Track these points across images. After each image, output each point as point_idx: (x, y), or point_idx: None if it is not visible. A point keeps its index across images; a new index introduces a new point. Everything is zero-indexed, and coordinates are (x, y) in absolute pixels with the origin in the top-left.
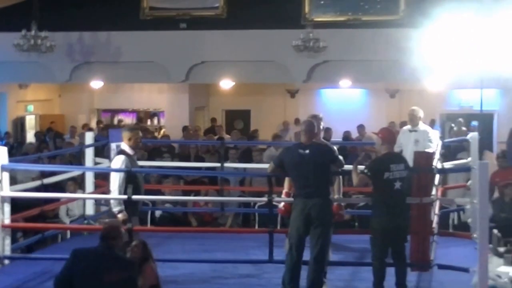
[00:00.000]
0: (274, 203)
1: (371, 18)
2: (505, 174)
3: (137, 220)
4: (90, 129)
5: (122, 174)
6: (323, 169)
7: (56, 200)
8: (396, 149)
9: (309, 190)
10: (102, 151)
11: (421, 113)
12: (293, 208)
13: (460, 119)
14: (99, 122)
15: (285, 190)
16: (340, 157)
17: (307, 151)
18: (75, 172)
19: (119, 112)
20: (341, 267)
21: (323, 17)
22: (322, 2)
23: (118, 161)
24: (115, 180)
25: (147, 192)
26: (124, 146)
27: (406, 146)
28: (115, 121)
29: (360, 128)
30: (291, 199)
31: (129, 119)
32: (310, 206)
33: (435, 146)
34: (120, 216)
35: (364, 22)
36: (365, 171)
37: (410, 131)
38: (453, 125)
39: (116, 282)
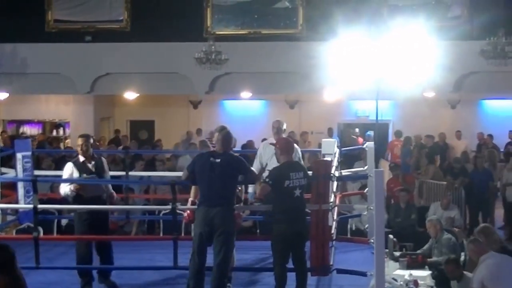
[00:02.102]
0: (178, 210)
1: (271, 32)
2: (398, 181)
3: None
4: None
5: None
6: (230, 179)
7: None
8: (258, 163)
9: (213, 198)
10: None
11: (285, 126)
12: (196, 215)
13: (356, 129)
14: (3, 132)
15: (191, 198)
16: (252, 169)
17: (218, 160)
18: None
19: (24, 123)
20: (244, 273)
21: (224, 31)
22: (223, 16)
23: (65, 168)
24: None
25: (53, 201)
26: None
27: (271, 160)
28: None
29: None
30: (195, 206)
31: (35, 130)
32: (213, 214)
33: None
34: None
35: (264, 36)
36: (267, 180)
37: (274, 144)
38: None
39: None
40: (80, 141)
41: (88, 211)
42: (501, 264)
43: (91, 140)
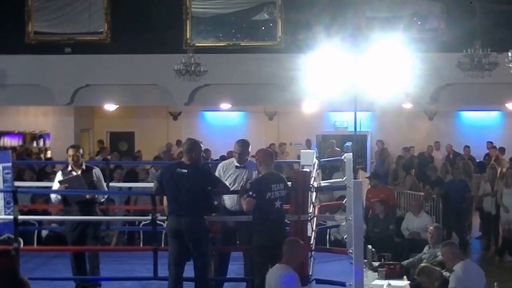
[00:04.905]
0: (158, 221)
1: (250, 44)
2: (377, 192)
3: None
4: None
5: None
6: (199, 189)
7: None
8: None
9: (182, 208)
10: None
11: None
12: (167, 226)
13: (333, 140)
14: None
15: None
16: (222, 182)
17: (185, 170)
18: None
19: (4, 134)
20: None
21: (204, 43)
22: (202, 28)
23: (56, 176)
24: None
25: (33, 212)
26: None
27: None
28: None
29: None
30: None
31: (14, 141)
32: (182, 224)
33: None
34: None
35: (243, 48)
36: (250, 193)
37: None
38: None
39: None
40: (71, 152)
41: (71, 221)
42: (470, 274)
43: (81, 151)
